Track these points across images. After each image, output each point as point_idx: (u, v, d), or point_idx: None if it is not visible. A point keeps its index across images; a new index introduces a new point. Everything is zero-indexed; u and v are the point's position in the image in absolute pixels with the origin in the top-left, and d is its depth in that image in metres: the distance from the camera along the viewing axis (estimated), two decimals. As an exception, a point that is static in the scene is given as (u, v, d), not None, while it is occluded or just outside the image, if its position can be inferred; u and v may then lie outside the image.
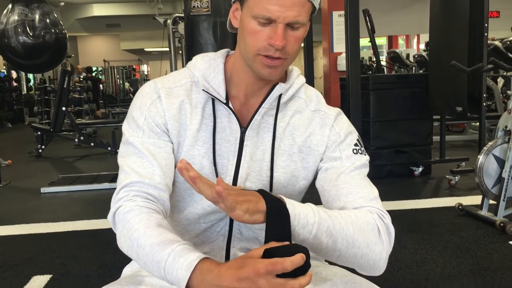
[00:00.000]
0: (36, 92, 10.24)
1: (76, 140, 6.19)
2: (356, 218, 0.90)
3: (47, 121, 8.68)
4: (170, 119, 0.99)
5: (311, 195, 1.12)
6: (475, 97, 3.79)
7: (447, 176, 4.01)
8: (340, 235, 0.86)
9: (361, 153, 1.02)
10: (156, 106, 0.99)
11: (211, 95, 0.99)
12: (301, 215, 0.82)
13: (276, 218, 0.80)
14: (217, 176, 0.98)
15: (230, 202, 0.75)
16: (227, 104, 0.99)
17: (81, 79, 11.20)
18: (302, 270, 0.71)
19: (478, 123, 4.08)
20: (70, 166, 5.95)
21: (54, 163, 6.16)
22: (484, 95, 3.79)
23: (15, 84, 12.79)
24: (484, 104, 3.81)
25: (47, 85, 9.83)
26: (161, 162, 0.95)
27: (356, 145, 1.03)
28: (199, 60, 1.04)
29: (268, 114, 1.02)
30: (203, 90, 0.99)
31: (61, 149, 7.04)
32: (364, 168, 1.01)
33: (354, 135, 1.05)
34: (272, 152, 1.01)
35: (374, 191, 0.99)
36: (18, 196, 4.29)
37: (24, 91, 12.52)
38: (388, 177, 4.32)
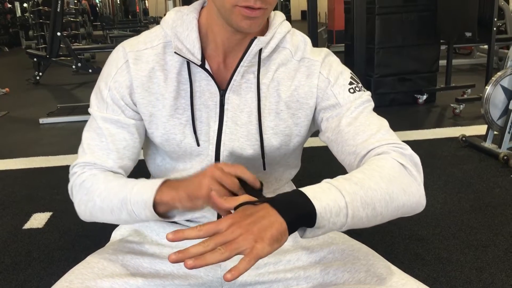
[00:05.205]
0: (31, 15, 9.89)
1: (74, 66, 6.05)
2: (380, 169, 0.80)
3: (43, 45, 8.45)
4: (138, 88, 0.91)
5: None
6: (485, 22, 3.62)
7: (452, 105, 3.93)
8: (377, 198, 0.75)
9: (359, 90, 0.92)
10: (122, 75, 0.91)
11: (184, 57, 0.89)
12: (330, 204, 0.70)
13: (299, 226, 0.71)
14: (198, 144, 0.92)
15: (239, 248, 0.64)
16: (202, 65, 0.89)
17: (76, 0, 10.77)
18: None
19: (486, 46, 3.93)
20: (69, 94, 5.88)
21: (52, 91, 6.07)
22: (495, 19, 3.62)
23: (9, 5, 12.38)
24: (495, 29, 3.65)
25: (40, 7, 9.49)
26: (120, 144, 0.92)
27: (351, 83, 0.93)
28: (172, 15, 0.93)
29: (249, 72, 0.92)
30: (175, 52, 0.89)
31: (59, 75, 6.93)
32: (367, 103, 0.92)
33: (346, 74, 0.94)
34: (259, 113, 0.92)
35: (383, 124, 0.90)
36: (17, 128, 4.25)
37: (19, 13, 12.11)
38: (391, 106, 4.24)
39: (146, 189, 0.82)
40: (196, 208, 0.81)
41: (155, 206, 0.82)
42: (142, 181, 0.86)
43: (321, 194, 0.71)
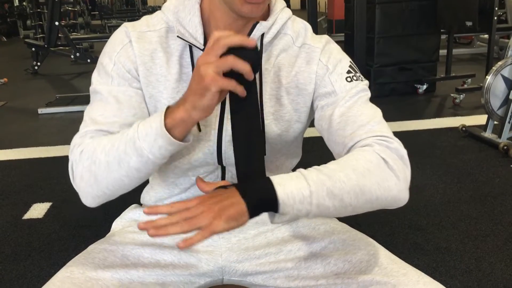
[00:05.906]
0: (28, 4, 9.83)
1: (72, 56, 6.02)
2: (356, 161, 0.79)
3: (41, 35, 8.41)
4: (141, 66, 0.90)
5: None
6: (486, 11, 3.60)
7: (452, 94, 3.92)
8: (345, 190, 0.76)
9: (356, 80, 0.91)
10: (127, 51, 0.90)
11: (187, 41, 0.89)
12: (294, 191, 0.73)
13: (262, 210, 0.75)
14: (199, 130, 0.91)
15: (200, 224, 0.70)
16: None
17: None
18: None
19: (486, 35, 3.91)
20: (67, 84, 5.85)
21: (51, 81, 6.05)
22: (496, 8, 3.61)
23: (6, -6, 12.32)
24: (495, 18, 3.63)
25: (38, -4, 9.42)
26: (128, 112, 0.87)
27: (349, 72, 0.92)
28: (173, 1, 0.93)
29: None
30: (178, 36, 0.89)
31: (57, 65, 6.89)
32: (363, 93, 0.90)
33: (345, 62, 0.93)
34: (260, 98, 0.91)
35: (375, 115, 0.88)
36: (16, 118, 4.24)
37: (16, 3, 12.03)
38: (390, 96, 4.22)
39: (154, 118, 0.78)
40: (214, 103, 0.76)
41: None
42: (144, 120, 0.81)
43: (287, 182, 0.74)
